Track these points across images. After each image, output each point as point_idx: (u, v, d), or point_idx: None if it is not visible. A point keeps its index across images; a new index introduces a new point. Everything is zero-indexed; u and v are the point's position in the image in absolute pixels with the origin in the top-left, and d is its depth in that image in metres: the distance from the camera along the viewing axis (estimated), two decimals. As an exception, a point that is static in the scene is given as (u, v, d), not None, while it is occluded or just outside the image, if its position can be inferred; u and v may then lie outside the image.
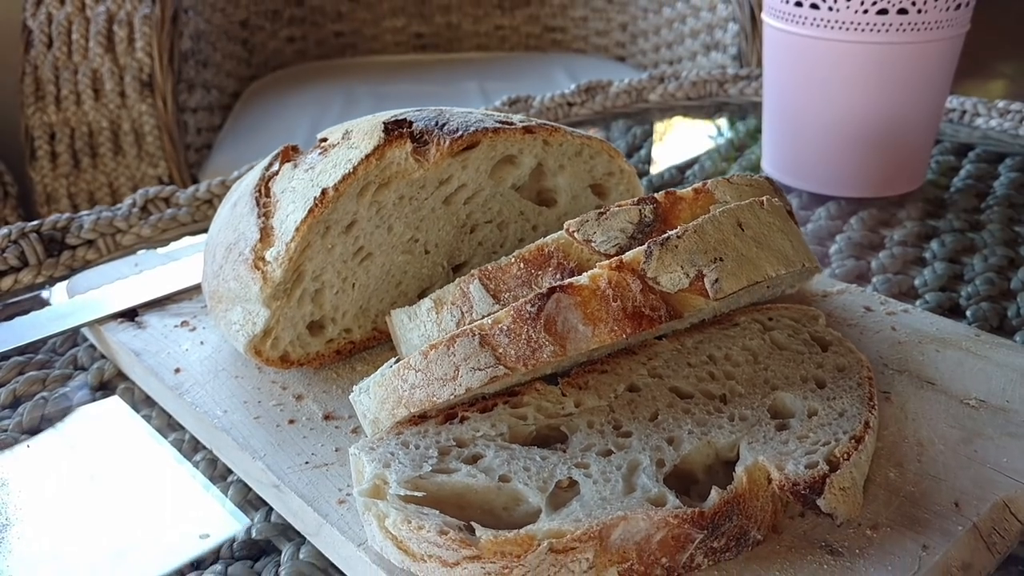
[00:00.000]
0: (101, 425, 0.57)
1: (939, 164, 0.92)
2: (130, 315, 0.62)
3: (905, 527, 0.41)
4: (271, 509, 0.49)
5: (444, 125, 0.53)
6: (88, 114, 1.36)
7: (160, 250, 0.75)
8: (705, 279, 0.43)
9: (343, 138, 0.53)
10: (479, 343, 0.42)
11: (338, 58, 2.08)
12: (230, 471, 0.52)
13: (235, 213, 0.55)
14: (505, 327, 0.42)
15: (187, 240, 0.80)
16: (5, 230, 0.75)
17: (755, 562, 0.40)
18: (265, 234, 0.51)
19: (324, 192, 0.49)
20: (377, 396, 0.43)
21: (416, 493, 0.39)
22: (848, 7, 0.75)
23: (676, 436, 0.43)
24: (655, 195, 0.49)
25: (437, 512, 0.38)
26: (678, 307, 0.43)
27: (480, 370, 0.41)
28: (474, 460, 0.42)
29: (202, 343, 0.58)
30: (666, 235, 0.43)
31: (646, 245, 0.43)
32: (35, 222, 0.76)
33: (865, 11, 0.75)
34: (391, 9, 2.07)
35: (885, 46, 0.76)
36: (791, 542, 0.41)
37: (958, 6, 0.75)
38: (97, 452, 0.54)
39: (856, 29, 0.76)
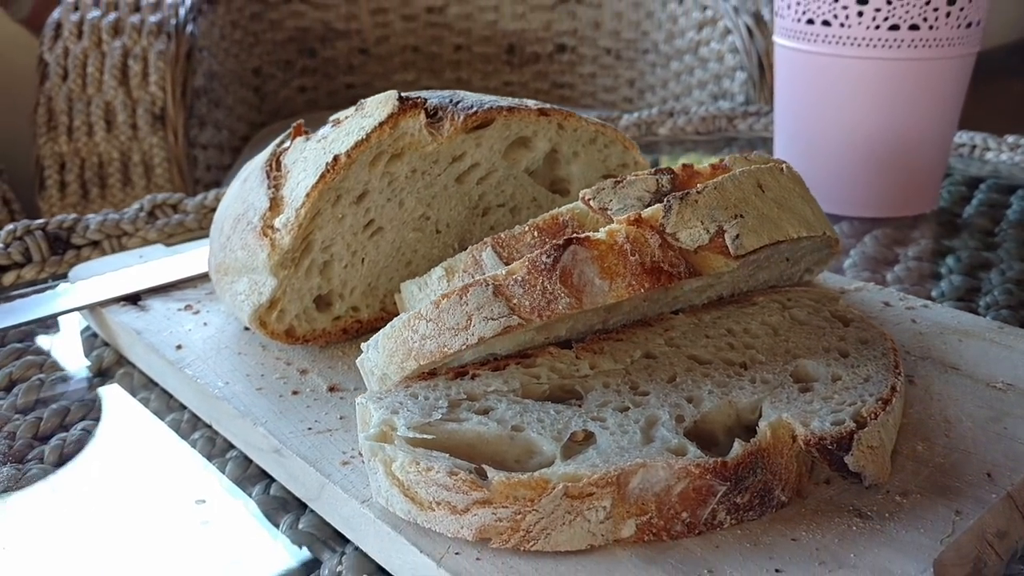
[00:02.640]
0: (97, 406, 0.55)
1: (951, 193, 0.92)
2: (133, 299, 0.61)
3: (936, 494, 0.39)
4: (270, 483, 0.47)
5: (459, 103, 0.53)
6: (99, 145, 1.37)
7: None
8: (726, 235, 0.41)
9: (356, 110, 0.52)
10: (492, 293, 0.40)
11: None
12: (228, 448, 0.50)
13: (245, 187, 0.54)
14: (520, 278, 0.40)
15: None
16: (11, 226, 0.74)
17: (780, 523, 0.38)
18: (275, 203, 0.50)
19: (336, 158, 0.49)
20: (386, 349, 0.42)
21: (425, 436, 0.37)
22: (860, 23, 0.76)
23: (696, 396, 0.41)
24: (672, 167, 0.48)
25: (447, 455, 0.36)
26: (698, 266, 0.42)
27: (493, 319, 0.40)
28: (485, 412, 0.40)
29: (205, 324, 0.57)
30: (686, 191, 0.42)
31: (665, 200, 0.42)
32: (41, 220, 0.75)
33: (877, 27, 0.75)
34: (402, 63, 2.10)
35: (897, 62, 0.76)
36: (817, 506, 0.39)
37: (969, 24, 0.76)
38: (93, 431, 0.53)
39: (868, 45, 0.76)
